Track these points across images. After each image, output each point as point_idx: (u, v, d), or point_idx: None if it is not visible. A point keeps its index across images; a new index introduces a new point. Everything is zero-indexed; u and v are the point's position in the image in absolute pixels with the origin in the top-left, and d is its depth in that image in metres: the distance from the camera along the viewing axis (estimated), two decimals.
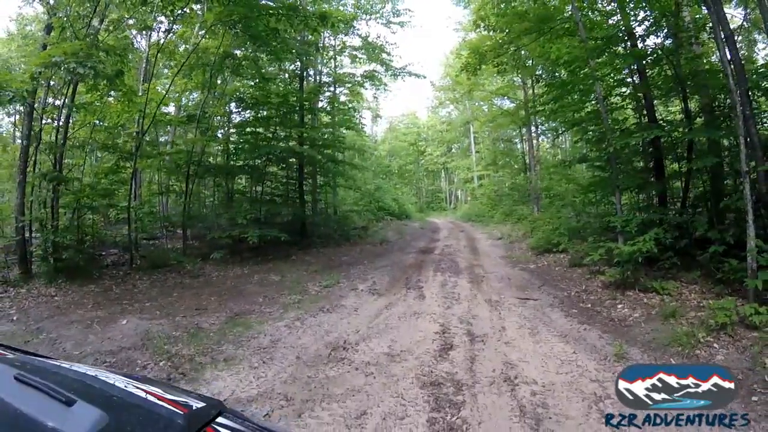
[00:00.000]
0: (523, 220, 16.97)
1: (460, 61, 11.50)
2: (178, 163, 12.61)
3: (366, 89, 19.10)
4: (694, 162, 6.70)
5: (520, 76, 19.18)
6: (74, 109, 9.62)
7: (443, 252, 11.67)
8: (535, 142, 20.68)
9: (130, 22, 11.21)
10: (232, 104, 14.22)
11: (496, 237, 14.75)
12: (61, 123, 9.47)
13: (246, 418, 1.18)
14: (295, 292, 7.25)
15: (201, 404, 1.11)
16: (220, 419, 1.04)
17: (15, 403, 0.90)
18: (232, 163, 13.99)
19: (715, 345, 4.44)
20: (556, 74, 11.60)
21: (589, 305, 6.02)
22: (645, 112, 8.68)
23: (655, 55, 7.40)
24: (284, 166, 14.87)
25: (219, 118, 14.20)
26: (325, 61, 17.49)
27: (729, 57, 5.27)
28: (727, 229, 6.28)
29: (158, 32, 12.21)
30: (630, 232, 6.49)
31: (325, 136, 15.94)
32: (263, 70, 13.28)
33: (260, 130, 13.78)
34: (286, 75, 14.99)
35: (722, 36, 5.36)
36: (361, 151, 21.11)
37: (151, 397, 1.08)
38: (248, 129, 13.69)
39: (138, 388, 1.13)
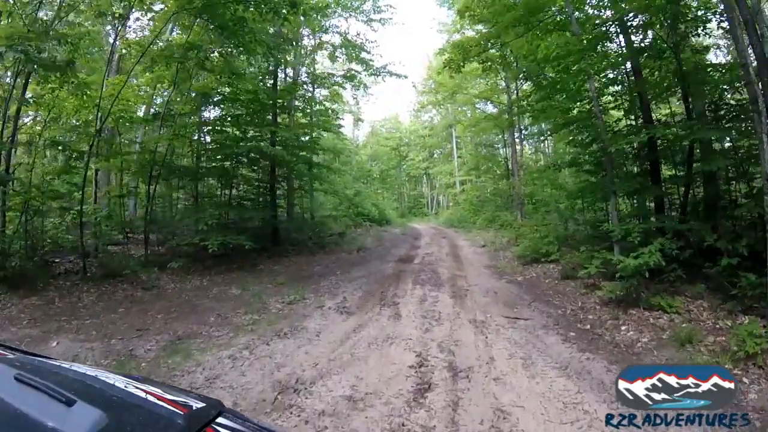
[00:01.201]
0: (506, 226, 16.31)
1: (444, 57, 10.73)
2: (143, 163, 11.63)
3: (345, 89, 18.29)
4: (702, 165, 6.02)
5: (504, 79, 18.68)
6: (25, 104, 8.71)
7: (424, 261, 10.84)
8: (518, 147, 20.15)
9: (82, 6, 10.24)
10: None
11: (479, 244, 14.00)
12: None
13: (246, 418, 1.17)
14: (252, 310, 6.30)
15: (201, 404, 1.09)
16: (220, 419, 1.02)
17: (15, 403, 0.89)
18: (202, 164, 12.96)
19: (745, 379, 3.70)
20: (543, 75, 10.91)
21: (589, 326, 5.23)
22: (640, 113, 8.01)
23: (657, 48, 6.69)
24: (255, 168, 13.96)
25: (191, 117, 13.16)
26: (303, 60, 16.66)
27: (749, 44, 4.59)
28: (738, 238, 5.61)
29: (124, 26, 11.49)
30: (633, 242, 5.74)
31: (303, 138, 15.09)
32: (242, 70, 12.37)
33: (229, 129, 12.85)
34: (257, 70, 13.99)
35: (740, 20, 4.68)
36: (338, 153, 20.21)
37: (151, 397, 1.07)
38: (214, 127, 12.65)
39: (138, 388, 1.13)
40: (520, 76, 16.23)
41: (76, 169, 10.18)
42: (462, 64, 10.11)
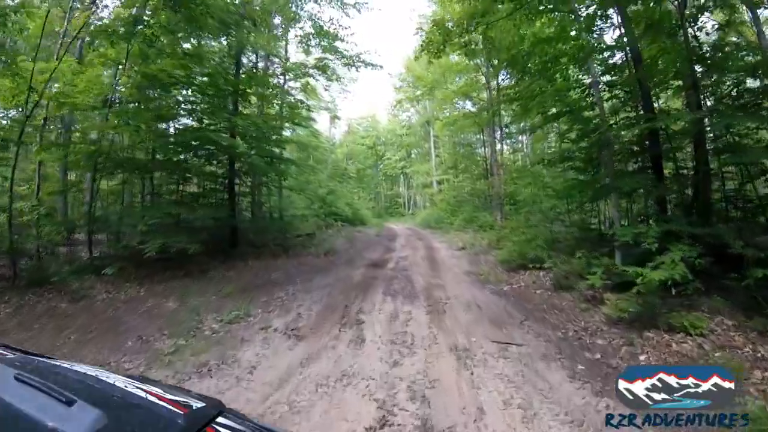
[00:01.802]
0: (486, 228, 15.39)
1: (423, 39, 9.66)
2: (88, 155, 10.22)
3: (317, 80, 17.02)
4: (728, 159, 5.09)
5: (484, 75, 17.88)
6: None
7: (397, 266, 9.72)
8: (498, 146, 19.36)
9: None
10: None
11: (457, 246, 12.95)
12: None
13: (246, 418, 1.12)
14: (181, 332, 5.05)
15: (201, 404, 1.07)
16: (220, 419, 1.00)
17: (15, 403, 0.88)
18: (158, 157, 11.52)
19: None
20: (529, 68, 9.91)
21: (599, 355, 4.15)
22: (641, 102, 7.08)
23: (671, 23, 5.71)
24: (216, 162, 12.60)
25: (141, 104, 11.67)
26: (274, 48, 15.38)
27: None
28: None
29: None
30: (649, 249, 4.73)
31: (265, 130, 13.78)
32: (202, 53, 11.02)
33: (184, 118, 11.52)
34: (219, 53, 12.62)
35: None
36: (311, 149, 18.95)
37: (151, 397, 1.05)
38: (165, 115, 11.23)
39: (138, 388, 1.10)
40: (503, 70, 15.45)
41: (5, 160, 8.95)
42: (442, 46, 9.03)
